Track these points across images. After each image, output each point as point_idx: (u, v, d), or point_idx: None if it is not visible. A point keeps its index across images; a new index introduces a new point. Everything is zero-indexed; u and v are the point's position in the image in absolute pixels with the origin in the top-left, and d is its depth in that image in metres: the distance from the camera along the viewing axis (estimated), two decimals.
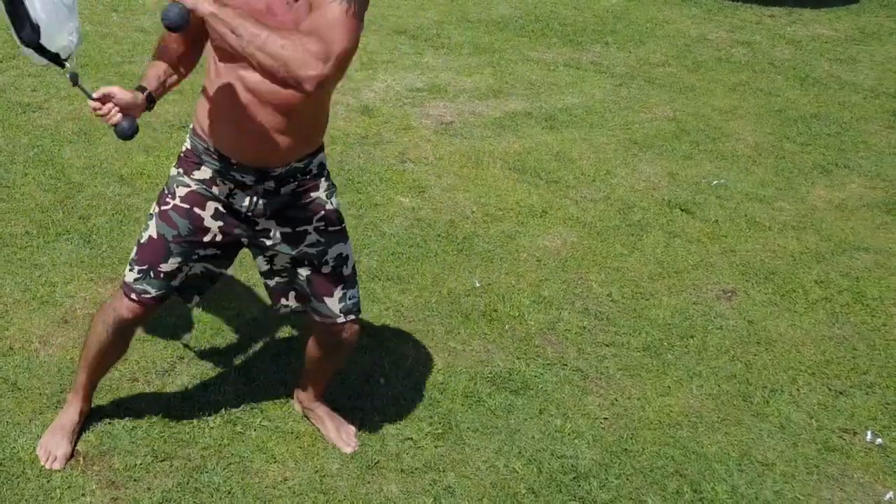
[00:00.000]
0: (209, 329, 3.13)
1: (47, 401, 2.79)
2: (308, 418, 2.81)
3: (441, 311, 3.33)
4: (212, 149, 2.31)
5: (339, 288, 2.47)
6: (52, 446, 2.62)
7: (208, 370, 2.97)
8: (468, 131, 4.79)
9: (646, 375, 3.09)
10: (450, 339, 3.20)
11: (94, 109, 2.20)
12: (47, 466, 2.58)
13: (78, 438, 2.66)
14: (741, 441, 2.84)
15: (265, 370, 3.01)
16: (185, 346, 3.05)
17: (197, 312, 3.18)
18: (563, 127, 4.92)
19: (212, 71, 2.25)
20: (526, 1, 7.22)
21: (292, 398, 2.87)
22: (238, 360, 3.03)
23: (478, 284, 3.53)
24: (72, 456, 2.60)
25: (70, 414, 2.66)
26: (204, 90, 2.30)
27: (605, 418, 2.89)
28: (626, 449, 2.77)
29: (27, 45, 2.13)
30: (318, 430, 2.77)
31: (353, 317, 2.51)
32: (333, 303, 2.47)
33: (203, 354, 3.03)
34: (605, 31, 6.65)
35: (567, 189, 4.28)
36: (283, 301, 2.56)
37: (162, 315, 3.02)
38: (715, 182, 4.46)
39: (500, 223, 3.95)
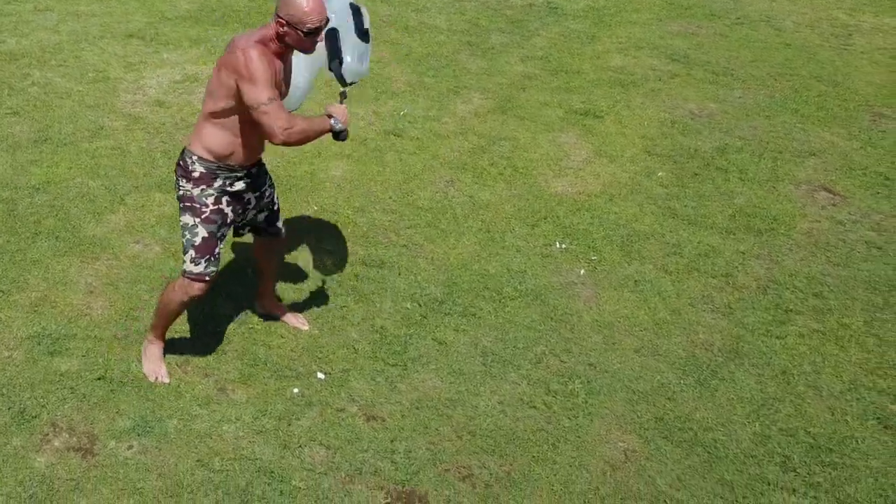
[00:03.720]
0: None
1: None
2: (271, 314, 4.58)
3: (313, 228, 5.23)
4: (222, 165, 3.83)
5: (280, 216, 4.27)
6: (156, 369, 4.16)
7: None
8: None
9: (434, 236, 5.30)
10: (324, 244, 5.12)
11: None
12: (159, 382, 4.10)
13: None
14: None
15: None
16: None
17: None
18: None
19: (230, 125, 3.75)
20: None
21: (256, 307, 4.61)
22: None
23: (315, 206, 5.44)
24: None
25: (158, 347, 4.18)
26: (216, 130, 3.76)
27: (429, 267, 5.07)
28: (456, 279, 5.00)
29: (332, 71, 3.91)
30: (281, 320, 4.56)
31: (284, 230, 4.34)
32: (279, 224, 4.26)
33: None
34: None
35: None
36: (242, 231, 4.21)
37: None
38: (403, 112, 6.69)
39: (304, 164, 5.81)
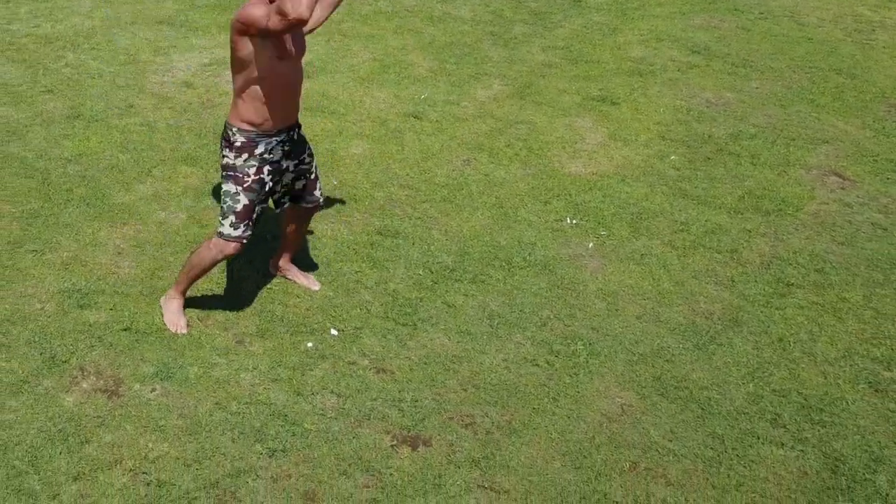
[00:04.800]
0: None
1: None
2: (284, 277, 4.82)
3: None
4: (259, 131, 4.13)
5: (318, 183, 4.53)
6: (176, 321, 4.41)
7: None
8: None
9: (449, 210, 5.50)
10: (342, 215, 5.34)
11: None
12: (178, 332, 4.36)
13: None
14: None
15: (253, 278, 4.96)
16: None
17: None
18: None
19: (254, 93, 4.05)
20: None
21: (270, 268, 4.86)
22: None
23: (335, 182, 5.66)
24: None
25: (179, 302, 4.43)
26: (245, 101, 4.07)
27: (442, 238, 5.27)
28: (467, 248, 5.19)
29: None
30: (292, 280, 4.79)
31: (324, 197, 4.60)
32: (317, 192, 4.52)
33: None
34: None
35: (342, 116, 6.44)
36: (282, 201, 4.49)
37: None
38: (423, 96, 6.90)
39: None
